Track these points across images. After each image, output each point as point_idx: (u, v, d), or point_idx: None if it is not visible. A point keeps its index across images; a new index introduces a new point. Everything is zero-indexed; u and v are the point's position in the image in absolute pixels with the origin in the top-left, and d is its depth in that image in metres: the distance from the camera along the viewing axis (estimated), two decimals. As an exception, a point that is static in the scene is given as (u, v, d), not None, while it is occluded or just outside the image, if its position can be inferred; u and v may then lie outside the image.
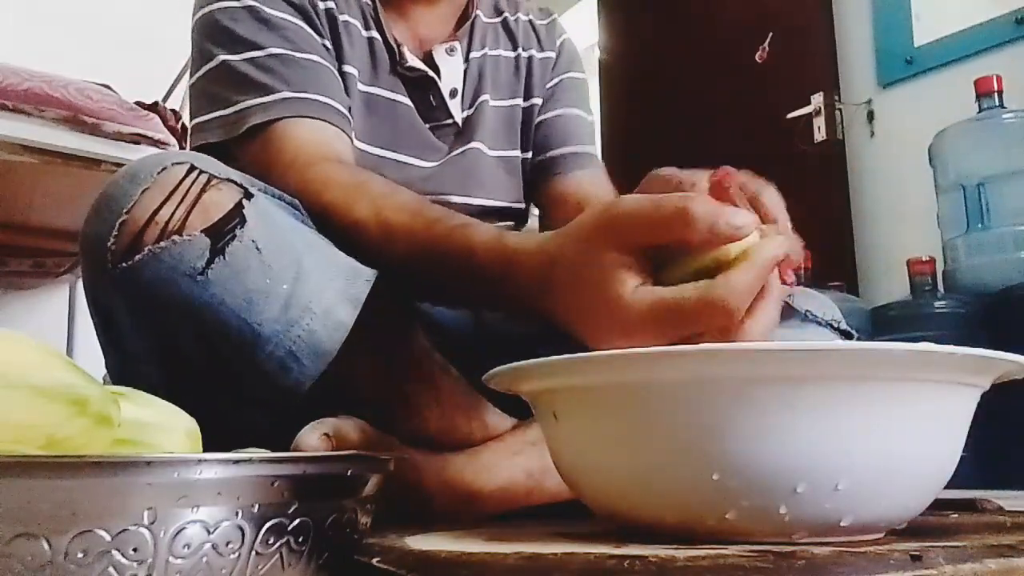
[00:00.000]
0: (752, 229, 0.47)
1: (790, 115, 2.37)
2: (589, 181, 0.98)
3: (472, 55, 0.97)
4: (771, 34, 2.45)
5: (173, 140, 1.69)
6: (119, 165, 1.29)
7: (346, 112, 0.82)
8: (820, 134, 2.31)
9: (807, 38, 2.39)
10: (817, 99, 2.32)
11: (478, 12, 0.99)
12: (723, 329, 0.47)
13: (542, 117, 1.01)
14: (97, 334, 0.66)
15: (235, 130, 0.77)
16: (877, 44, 2.28)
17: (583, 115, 1.04)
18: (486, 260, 0.60)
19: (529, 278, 0.56)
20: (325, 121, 0.78)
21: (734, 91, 2.53)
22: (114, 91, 1.69)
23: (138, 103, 1.71)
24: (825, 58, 2.35)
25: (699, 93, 2.66)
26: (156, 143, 1.66)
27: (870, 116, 2.28)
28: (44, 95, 1.53)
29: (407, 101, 0.91)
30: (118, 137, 1.61)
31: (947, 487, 0.45)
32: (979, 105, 1.78)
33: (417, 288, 0.69)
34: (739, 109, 2.50)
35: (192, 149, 0.82)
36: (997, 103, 1.76)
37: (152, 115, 1.69)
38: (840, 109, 2.31)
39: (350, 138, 0.82)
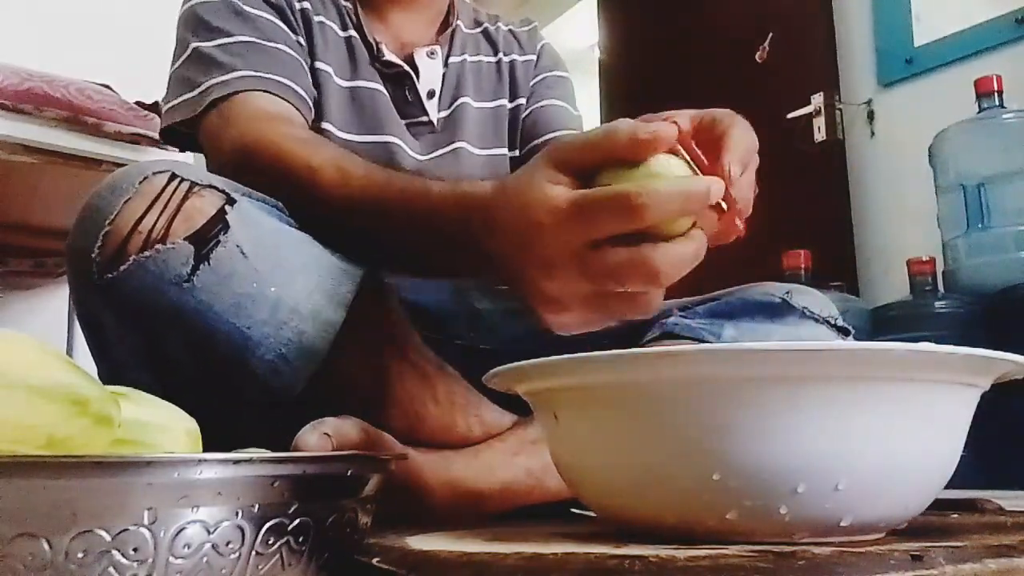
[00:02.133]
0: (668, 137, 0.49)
1: (790, 115, 2.37)
2: None
3: (452, 60, 0.99)
4: (771, 34, 2.44)
5: (173, 140, 1.69)
6: (119, 165, 1.29)
7: (306, 97, 0.83)
8: (820, 134, 2.30)
9: (807, 38, 2.39)
10: (817, 99, 2.32)
11: (459, 22, 1.01)
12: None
13: (527, 112, 1.03)
14: (88, 343, 0.66)
15: (198, 107, 0.78)
16: (877, 44, 2.28)
17: (569, 108, 1.05)
18: (441, 198, 0.60)
19: (480, 210, 0.56)
20: (283, 98, 0.79)
21: (734, 91, 2.52)
22: (114, 91, 1.69)
23: (138, 103, 1.70)
24: (825, 58, 2.35)
25: (699, 93, 2.66)
26: (156, 143, 1.65)
27: (870, 116, 2.28)
28: (44, 95, 1.53)
29: (385, 92, 0.93)
30: (118, 137, 1.61)
31: (947, 487, 0.45)
32: (979, 105, 1.78)
33: (377, 246, 0.66)
34: (739, 109, 2.48)
35: (160, 132, 0.84)
36: (997, 103, 1.75)
37: (152, 115, 1.69)
38: (840, 109, 2.31)
39: (307, 121, 0.83)
